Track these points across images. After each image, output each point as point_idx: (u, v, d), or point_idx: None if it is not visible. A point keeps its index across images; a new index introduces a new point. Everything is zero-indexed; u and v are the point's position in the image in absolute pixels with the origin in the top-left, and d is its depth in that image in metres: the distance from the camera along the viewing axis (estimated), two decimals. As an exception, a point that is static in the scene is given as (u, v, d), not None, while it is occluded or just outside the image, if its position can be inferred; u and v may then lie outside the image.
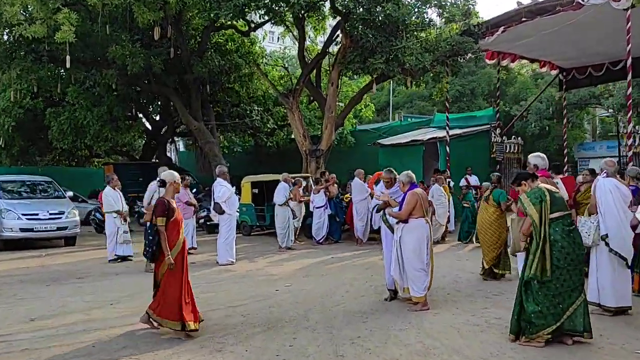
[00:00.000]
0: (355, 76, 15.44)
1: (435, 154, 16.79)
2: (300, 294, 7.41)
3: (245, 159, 21.26)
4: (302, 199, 12.79)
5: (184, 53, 17.18)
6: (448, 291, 7.36)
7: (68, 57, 13.46)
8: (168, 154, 26.30)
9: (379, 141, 17.92)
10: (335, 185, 12.90)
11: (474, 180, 14.87)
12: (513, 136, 18.32)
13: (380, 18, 13.92)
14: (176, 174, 5.64)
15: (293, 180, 12.50)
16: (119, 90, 18.42)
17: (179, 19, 16.74)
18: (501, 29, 14.11)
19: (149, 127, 23.82)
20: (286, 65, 19.13)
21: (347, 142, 20.76)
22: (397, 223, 6.32)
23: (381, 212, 6.70)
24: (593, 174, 7.61)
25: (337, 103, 15.68)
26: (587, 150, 30.65)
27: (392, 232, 6.52)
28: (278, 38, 22.23)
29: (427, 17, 14.66)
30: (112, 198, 10.44)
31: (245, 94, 20.55)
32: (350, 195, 12.64)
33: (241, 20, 19.74)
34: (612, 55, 16.82)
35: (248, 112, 20.42)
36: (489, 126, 16.88)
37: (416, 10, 14.42)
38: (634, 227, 6.01)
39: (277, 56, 21.54)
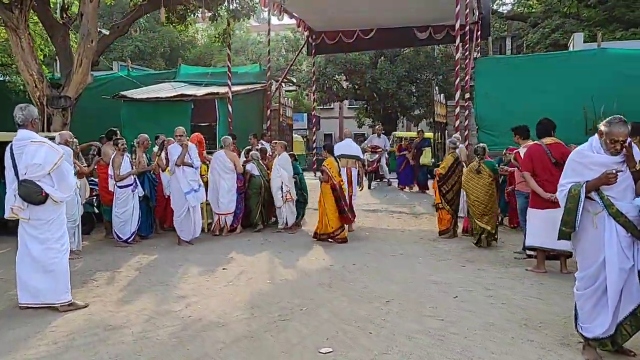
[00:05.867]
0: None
1: (207, 113, 13.57)
2: None
3: None
4: (85, 172, 7.94)
5: None
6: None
7: None
8: None
9: (123, 93, 13.27)
10: (144, 154, 8.36)
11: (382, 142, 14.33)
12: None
13: None
14: None
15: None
16: None
17: None
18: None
19: None
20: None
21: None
22: None
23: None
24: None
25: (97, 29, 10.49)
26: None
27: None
28: None
29: None
30: None
31: None
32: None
33: None
34: (366, 23, 16.74)
35: None
36: (264, 84, 14.52)
37: None
38: None
39: None
